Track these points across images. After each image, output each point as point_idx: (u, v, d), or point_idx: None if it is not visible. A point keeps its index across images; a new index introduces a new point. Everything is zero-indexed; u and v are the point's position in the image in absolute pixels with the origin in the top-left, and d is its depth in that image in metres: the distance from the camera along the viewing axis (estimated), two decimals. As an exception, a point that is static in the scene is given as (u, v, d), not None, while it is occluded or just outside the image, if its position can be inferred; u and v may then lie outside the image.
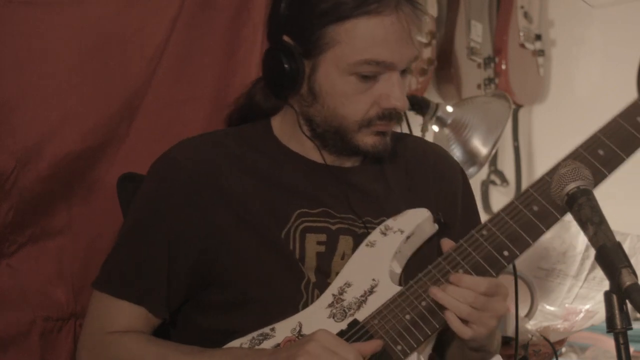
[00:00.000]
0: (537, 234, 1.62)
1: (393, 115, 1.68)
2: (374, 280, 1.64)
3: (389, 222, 1.69)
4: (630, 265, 1.41)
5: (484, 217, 3.91)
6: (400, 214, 1.70)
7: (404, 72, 1.68)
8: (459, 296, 1.56)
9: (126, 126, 2.05)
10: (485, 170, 3.72)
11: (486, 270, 1.60)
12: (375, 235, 1.68)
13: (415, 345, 1.58)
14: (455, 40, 3.46)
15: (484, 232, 1.62)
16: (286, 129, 1.75)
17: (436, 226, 1.72)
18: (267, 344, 1.60)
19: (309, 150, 1.74)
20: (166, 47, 2.11)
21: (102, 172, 2.01)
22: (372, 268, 1.65)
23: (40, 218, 1.91)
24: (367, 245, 1.68)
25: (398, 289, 1.63)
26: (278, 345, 1.60)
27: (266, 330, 1.61)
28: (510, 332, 2.24)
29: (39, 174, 1.87)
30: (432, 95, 3.35)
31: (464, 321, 1.58)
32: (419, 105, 2.90)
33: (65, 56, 1.91)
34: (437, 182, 1.80)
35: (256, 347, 1.61)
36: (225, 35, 2.22)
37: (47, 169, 1.89)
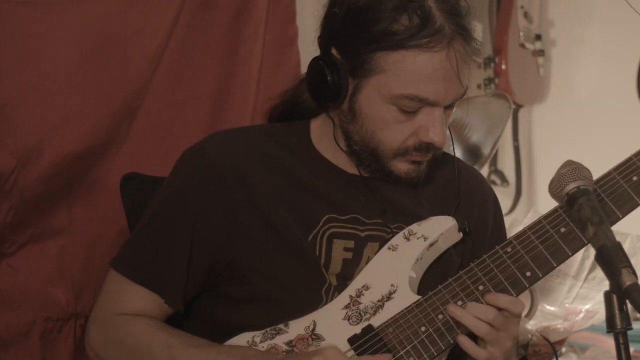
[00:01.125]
0: (562, 257, 1.60)
1: (431, 148, 1.65)
2: (392, 285, 1.62)
3: (413, 227, 1.68)
4: (630, 265, 1.41)
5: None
6: (425, 220, 1.68)
7: (448, 107, 1.65)
8: (479, 313, 1.55)
9: (127, 126, 2.05)
10: (485, 170, 3.72)
11: (507, 290, 1.59)
12: (398, 239, 1.67)
13: (427, 359, 1.57)
14: (455, 40, 3.45)
15: (508, 250, 1.60)
16: (323, 136, 1.73)
17: (460, 235, 1.70)
18: (280, 339, 1.60)
19: (343, 162, 1.72)
20: (166, 47, 2.11)
21: (103, 172, 2.01)
22: (392, 273, 1.64)
23: (40, 218, 1.91)
24: (389, 248, 1.66)
25: (416, 297, 1.61)
26: (290, 341, 1.60)
27: (280, 325, 1.60)
28: (510, 332, 2.25)
29: (40, 174, 1.87)
30: (432, 95, 3.35)
31: (479, 342, 1.57)
32: (419, 105, 2.91)
33: (65, 56, 1.92)
34: (469, 205, 1.77)
35: (268, 341, 1.60)
36: (226, 35, 2.23)
37: (48, 169, 1.89)
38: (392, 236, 1.68)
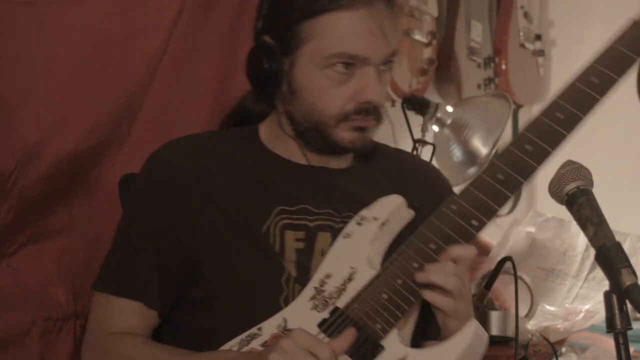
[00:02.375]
0: (502, 200, 1.63)
1: (370, 110, 1.70)
2: (352, 268, 1.65)
3: (363, 212, 1.71)
4: (630, 265, 1.42)
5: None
6: (373, 203, 1.72)
7: (382, 70, 1.71)
8: (441, 269, 1.59)
9: (126, 126, 2.05)
10: (485, 170, 3.72)
11: (457, 242, 1.62)
12: (351, 226, 1.70)
13: (393, 322, 1.59)
14: (455, 40, 3.46)
15: (453, 207, 1.63)
16: (272, 133, 1.79)
17: (412, 212, 1.73)
18: (256, 343, 1.62)
19: (294, 153, 1.76)
20: (166, 48, 2.11)
21: (103, 172, 2.01)
22: (350, 257, 1.67)
23: (40, 218, 1.91)
24: (344, 237, 1.70)
25: (375, 272, 1.64)
26: (265, 342, 1.61)
27: (253, 330, 1.62)
28: (510, 332, 2.25)
29: (39, 174, 1.87)
30: (432, 95, 3.35)
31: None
32: (419, 105, 2.90)
33: (65, 56, 1.91)
34: (425, 195, 1.80)
35: (245, 347, 1.62)
36: (226, 35, 2.23)
37: (48, 169, 1.88)
38: (342, 225, 1.72)
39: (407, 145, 3.00)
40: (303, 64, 1.69)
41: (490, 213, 1.63)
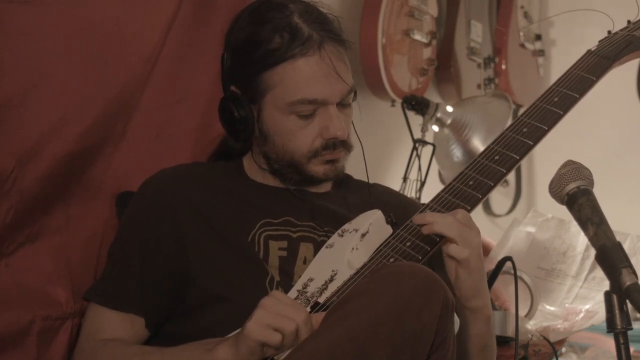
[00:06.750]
0: (474, 202, 1.74)
1: (337, 144, 1.83)
2: (333, 271, 1.73)
3: (345, 225, 1.81)
4: (630, 265, 1.42)
5: (485, 218, 3.90)
6: (354, 218, 1.82)
7: (343, 106, 1.83)
8: (443, 217, 1.67)
9: (123, 126, 2.06)
10: (485, 170, 3.72)
11: (433, 239, 1.70)
12: (333, 238, 1.81)
13: None
14: (455, 40, 3.46)
15: (427, 211, 1.73)
16: (252, 166, 1.92)
17: (390, 228, 1.80)
18: None
19: (273, 182, 1.90)
20: (163, 47, 2.12)
21: (99, 171, 2.01)
22: (332, 262, 1.75)
23: (38, 217, 1.91)
24: (326, 247, 1.79)
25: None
26: None
27: (239, 331, 1.65)
28: (510, 332, 2.25)
29: (38, 174, 1.87)
30: (432, 95, 3.35)
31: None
32: (419, 105, 2.91)
33: (64, 56, 1.91)
34: (397, 212, 1.88)
35: None
36: (221, 35, 2.22)
37: (46, 169, 1.88)
38: (324, 238, 1.82)
39: (407, 145, 3.00)
40: (269, 110, 1.82)
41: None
